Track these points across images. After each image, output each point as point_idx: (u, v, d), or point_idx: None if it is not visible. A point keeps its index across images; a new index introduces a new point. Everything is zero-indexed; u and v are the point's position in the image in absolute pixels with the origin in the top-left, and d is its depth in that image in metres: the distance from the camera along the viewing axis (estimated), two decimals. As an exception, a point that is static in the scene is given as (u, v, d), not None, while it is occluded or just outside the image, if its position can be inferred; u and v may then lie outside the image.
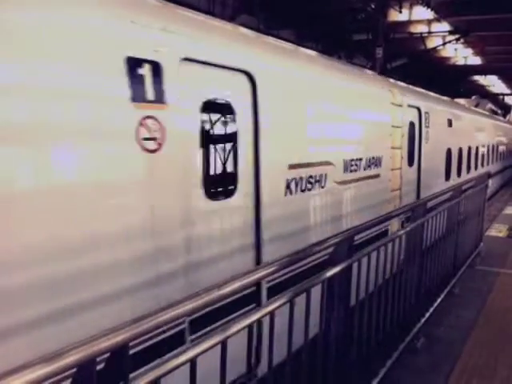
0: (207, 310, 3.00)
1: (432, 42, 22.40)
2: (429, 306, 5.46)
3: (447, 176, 10.81)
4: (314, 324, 3.05)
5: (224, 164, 3.93)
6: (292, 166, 4.79)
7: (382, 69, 17.74)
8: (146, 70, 3.15)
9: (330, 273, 3.16)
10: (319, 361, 3.18)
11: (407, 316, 4.74)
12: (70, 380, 1.66)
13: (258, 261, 4.27)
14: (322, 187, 5.34)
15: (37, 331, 2.55)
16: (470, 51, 25.89)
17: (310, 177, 5.10)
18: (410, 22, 20.26)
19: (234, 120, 4.01)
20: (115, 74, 2.99)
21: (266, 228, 4.32)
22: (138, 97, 3.08)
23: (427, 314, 5.32)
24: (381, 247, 4.02)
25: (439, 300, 5.79)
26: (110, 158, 2.97)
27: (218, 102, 3.86)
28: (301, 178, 4.93)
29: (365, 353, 3.81)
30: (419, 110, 8.60)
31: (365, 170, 6.45)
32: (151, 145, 3.18)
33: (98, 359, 1.62)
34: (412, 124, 8.29)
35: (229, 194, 4.00)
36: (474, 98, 24.02)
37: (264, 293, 4.26)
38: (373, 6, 17.90)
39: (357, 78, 7.04)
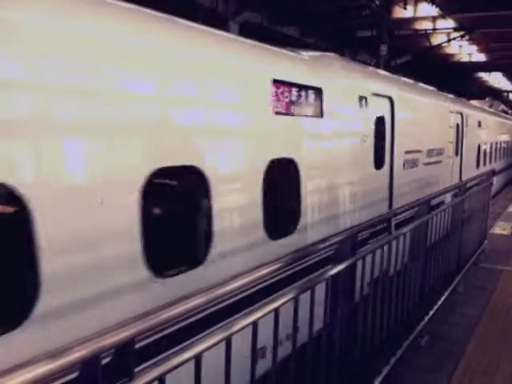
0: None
1: (437, 39, 22.31)
2: (433, 304, 5.46)
3: (477, 164, 14.30)
4: (318, 321, 3.05)
5: (382, 149, 7.09)
6: (405, 152, 7.96)
7: (386, 66, 17.69)
8: (364, 101, 6.44)
9: (334, 270, 3.16)
10: (323, 358, 3.18)
11: (411, 314, 4.74)
12: (75, 376, 1.66)
13: (391, 206, 7.35)
14: (417, 166, 8.62)
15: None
16: (474, 48, 25.78)
17: (412, 159, 8.33)
18: (414, 19, 20.17)
19: (383, 123, 7.14)
20: (356, 103, 6.35)
21: (395, 187, 7.44)
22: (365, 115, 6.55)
23: (431, 312, 5.31)
24: (385, 245, 4.01)
25: (443, 298, 5.78)
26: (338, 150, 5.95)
27: (380, 114, 6.99)
28: (408, 160, 8.10)
29: (368, 350, 3.81)
30: (462, 114, 11.95)
31: (436, 156, 9.76)
32: (364, 138, 6.51)
33: (103, 355, 1.63)
34: (457, 125, 11.60)
35: (382, 166, 7.10)
36: (487, 99, 24.99)
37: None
38: (377, 3, 17.83)
39: (435, 95, 10.65)
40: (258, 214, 4.47)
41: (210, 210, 3.92)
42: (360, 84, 6.61)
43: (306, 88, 5.29)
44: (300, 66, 5.59)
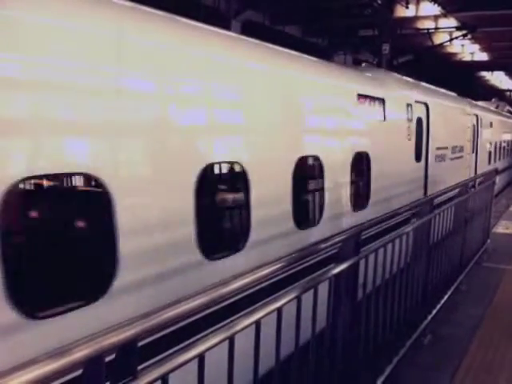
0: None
1: (439, 38, 22.26)
2: (436, 303, 5.45)
3: (489, 161, 16.28)
4: (321, 320, 3.05)
5: (420, 145, 8.71)
6: (436, 148, 9.75)
7: (388, 65, 17.66)
8: (410, 107, 8.15)
9: (337, 269, 3.16)
10: (326, 357, 3.17)
11: (414, 313, 4.73)
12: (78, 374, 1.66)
13: (425, 192, 8.94)
14: (444, 160, 10.41)
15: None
16: (476, 47, 25.73)
17: (441, 154, 10.13)
18: (416, 18, 20.14)
19: (421, 124, 8.83)
20: (405, 109, 8.15)
21: (428, 177, 9.13)
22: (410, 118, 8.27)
23: (434, 311, 5.30)
24: (388, 244, 4.00)
25: (446, 297, 5.77)
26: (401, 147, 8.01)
27: (419, 117, 8.68)
28: (438, 155, 9.88)
29: (371, 349, 3.80)
30: (477, 116, 13.91)
31: (458, 152, 11.67)
32: (409, 137, 8.16)
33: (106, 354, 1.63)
34: (474, 126, 13.49)
35: (420, 159, 8.80)
36: (493, 100, 25.87)
37: None
38: (379, 2, 17.80)
39: (457, 100, 12.65)
40: (347, 193, 6.39)
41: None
42: (407, 94, 8.58)
43: (375, 99, 7.19)
44: (369, 82, 7.57)
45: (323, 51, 20.69)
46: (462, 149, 12.04)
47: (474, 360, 4.75)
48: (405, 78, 9.41)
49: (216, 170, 4.28)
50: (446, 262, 5.74)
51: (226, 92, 4.42)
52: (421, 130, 8.86)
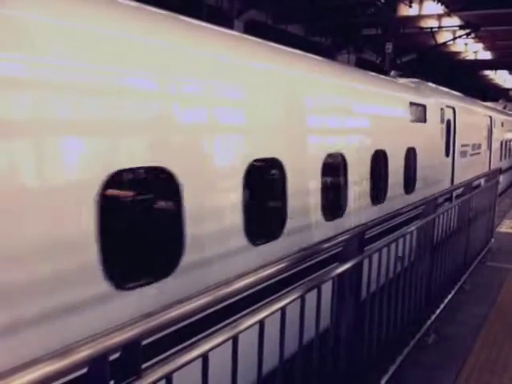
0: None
1: (442, 37, 22.21)
2: (439, 303, 5.43)
3: (501, 158, 18.02)
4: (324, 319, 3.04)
5: (449, 143, 10.27)
6: (461, 146, 11.31)
7: (391, 64, 17.62)
8: (442, 111, 9.85)
9: (340, 269, 3.15)
10: (330, 357, 3.17)
11: (418, 312, 4.72)
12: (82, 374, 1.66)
13: (452, 181, 10.60)
14: (466, 156, 12.09)
15: None
16: (480, 46, 25.66)
17: (464, 151, 11.77)
18: (420, 17, 20.10)
19: (449, 125, 10.35)
20: (438, 112, 9.96)
21: (455, 169, 10.79)
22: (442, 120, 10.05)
23: (438, 311, 5.29)
24: (392, 243, 3.99)
25: (450, 296, 5.76)
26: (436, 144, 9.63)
27: (448, 119, 10.13)
28: (462, 151, 11.48)
29: (375, 349, 3.79)
30: (491, 117, 15.69)
31: (476, 149, 13.40)
32: (441, 136, 9.90)
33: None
34: (488, 126, 15.21)
35: (448, 155, 10.38)
36: (500, 101, 27.26)
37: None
38: (382, 1, 17.77)
39: (476, 103, 14.66)
40: (402, 179, 8.12)
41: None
42: (440, 100, 10.29)
43: (419, 105, 8.97)
44: (414, 91, 9.40)
45: (326, 50, 20.65)
46: (479, 146, 13.93)
47: (478, 359, 4.74)
48: (436, 86, 11.07)
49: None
50: (449, 261, 5.73)
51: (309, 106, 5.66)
52: (449, 130, 10.64)
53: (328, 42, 22.06)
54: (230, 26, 15.96)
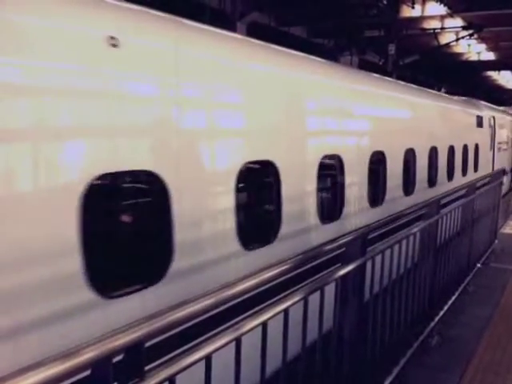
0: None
1: (445, 38, 22.19)
2: (443, 304, 5.42)
3: None
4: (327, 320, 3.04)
5: (492, 140, 14.57)
6: (498, 143, 15.39)
7: (394, 65, 17.62)
8: (489, 119, 14.28)
9: (343, 271, 3.15)
10: (333, 358, 3.17)
11: (421, 314, 4.71)
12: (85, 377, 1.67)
13: (492, 168, 14.19)
14: (500, 150, 15.91)
15: None
16: (483, 47, 25.62)
17: (499, 147, 15.66)
18: (422, 18, 20.08)
19: (492, 129, 14.57)
20: (488, 120, 14.21)
21: (495, 158, 15.01)
22: (489, 125, 14.40)
23: (441, 312, 5.28)
24: (395, 245, 3.99)
25: (453, 298, 5.74)
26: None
27: (491, 124, 14.44)
28: (498, 147, 15.38)
29: (378, 351, 3.79)
30: (511, 121, 19.13)
31: (505, 145, 17.07)
32: (489, 136, 14.53)
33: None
34: (510, 128, 18.42)
35: (491, 149, 14.61)
36: None
37: None
38: (385, 2, 17.77)
39: (504, 111, 18.25)
40: (468, 166, 11.99)
41: None
42: (488, 112, 14.46)
43: (479, 116, 13.23)
44: (476, 107, 13.55)
45: (329, 52, 20.65)
46: (507, 143, 17.65)
47: (481, 361, 4.73)
48: (484, 102, 15.32)
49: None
50: (453, 262, 5.72)
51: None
52: (492, 132, 14.63)
53: (330, 43, 22.05)
54: (233, 29, 15.99)
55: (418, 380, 4.41)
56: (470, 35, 20.68)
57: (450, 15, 19.35)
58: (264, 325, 2.37)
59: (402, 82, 9.46)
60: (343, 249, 3.27)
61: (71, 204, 2.91)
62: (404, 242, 4.17)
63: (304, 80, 5.55)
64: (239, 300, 2.39)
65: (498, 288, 6.80)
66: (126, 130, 3.34)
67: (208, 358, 2.00)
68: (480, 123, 13.10)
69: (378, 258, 3.67)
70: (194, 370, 1.95)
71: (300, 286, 2.91)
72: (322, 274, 3.40)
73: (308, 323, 2.80)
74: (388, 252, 3.85)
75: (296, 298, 2.62)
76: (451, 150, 10.41)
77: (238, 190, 4.25)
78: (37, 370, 1.42)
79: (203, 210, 3.94)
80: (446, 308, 5.43)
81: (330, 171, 5.96)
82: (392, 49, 17.79)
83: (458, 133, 11.31)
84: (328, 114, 5.95)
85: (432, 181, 9.24)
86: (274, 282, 2.60)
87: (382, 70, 16.13)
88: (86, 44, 3.09)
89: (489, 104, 16.00)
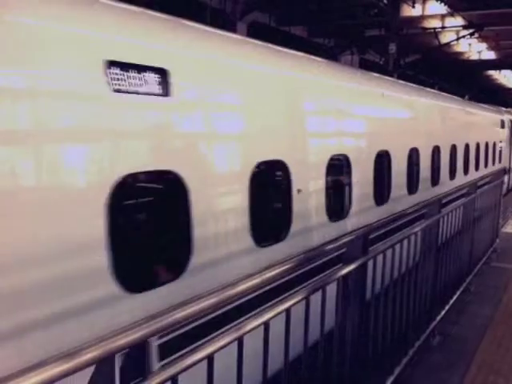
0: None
1: (445, 37, 22.17)
2: (444, 304, 5.42)
3: None
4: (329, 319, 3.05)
5: (509, 139, 18.93)
6: None
7: (395, 65, 17.61)
8: (509, 122, 18.69)
9: (345, 270, 3.15)
10: (335, 358, 3.17)
11: (423, 313, 4.71)
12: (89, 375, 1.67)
13: (510, 162, 18.98)
14: None
15: None
16: (484, 46, 25.60)
17: None
18: (423, 17, 20.08)
19: (509, 128, 18.96)
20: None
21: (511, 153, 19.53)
22: (509, 127, 18.81)
23: (443, 312, 5.28)
24: (396, 245, 3.99)
25: (455, 297, 5.74)
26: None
27: (510, 125, 18.97)
28: None
29: (380, 350, 3.79)
30: None
31: None
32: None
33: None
34: None
35: (510, 146, 19.09)
36: None
37: None
38: (385, 1, 17.77)
39: None
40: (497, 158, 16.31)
41: None
42: (508, 116, 18.15)
43: (502, 120, 17.13)
44: (499, 112, 17.51)
45: (329, 52, 20.64)
46: None
47: (483, 360, 4.72)
48: (506, 108, 18.98)
49: None
50: (454, 262, 5.72)
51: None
52: (510, 132, 18.28)
53: (331, 43, 22.04)
54: (233, 29, 15.99)
55: (419, 379, 4.41)
56: (471, 34, 20.66)
57: (451, 14, 19.34)
58: (266, 324, 2.37)
59: (458, 98, 13.91)
60: (344, 249, 3.27)
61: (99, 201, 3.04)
62: (405, 242, 4.17)
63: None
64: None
65: (500, 287, 6.79)
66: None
67: (210, 358, 2.01)
68: (503, 125, 17.31)
69: (380, 258, 3.68)
70: (199, 370, 1.95)
71: (301, 286, 2.92)
72: (323, 274, 3.40)
73: (310, 323, 2.80)
74: (389, 251, 3.85)
75: (298, 298, 2.63)
76: (487, 144, 14.69)
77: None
78: (43, 369, 1.42)
79: (219, 209, 4.16)
80: (447, 307, 5.43)
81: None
82: (393, 48, 17.76)
83: (491, 132, 15.77)
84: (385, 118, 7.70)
85: (484, 163, 14.26)
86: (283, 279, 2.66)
87: (383, 70, 16.11)
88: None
89: (507, 109, 20.60)
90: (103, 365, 1.59)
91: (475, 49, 26.43)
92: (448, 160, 10.50)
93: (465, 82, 34.73)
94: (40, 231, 2.75)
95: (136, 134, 3.37)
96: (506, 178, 14.49)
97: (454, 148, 10.80)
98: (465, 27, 20.13)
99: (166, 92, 3.50)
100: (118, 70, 3.16)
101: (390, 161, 7.29)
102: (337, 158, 5.94)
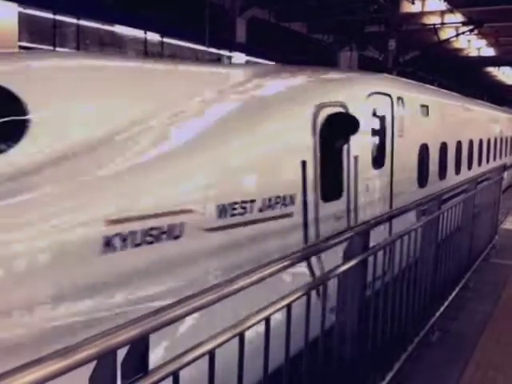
0: None
1: (445, 34, 22.16)
2: (444, 300, 5.43)
3: None
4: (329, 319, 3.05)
5: None
6: None
7: (394, 61, 17.59)
8: None
9: (345, 266, 3.16)
10: (334, 354, 3.18)
11: (422, 310, 4.72)
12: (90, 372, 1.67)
13: None
14: None
15: None
16: (483, 42, 25.61)
17: None
18: (422, 14, 20.08)
19: None
20: None
21: None
22: None
23: (442, 308, 5.29)
24: (396, 241, 3.99)
25: (454, 293, 5.75)
26: None
27: None
28: None
29: (379, 346, 3.80)
30: None
31: None
32: None
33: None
34: None
35: None
36: None
37: None
38: (385, -2, 17.73)
39: None
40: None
41: None
42: None
43: None
44: None
45: (328, 48, 20.63)
46: None
47: (482, 357, 4.74)
48: None
49: None
50: (454, 258, 5.73)
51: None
52: None
53: (330, 39, 22.01)
54: (233, 25, 15.96)
55: (418, 375, 4.41)
56: (470, 31, 20.66)
57: (450, 10, 19.34)
58: (267, 320, 2.38)
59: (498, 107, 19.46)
60: (345, 244, 3.28)
61: None
62: (406, 238, 4.18)
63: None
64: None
65: (499, 283, 6.81)
66: None
67: (211, 354, 2.01)
68: None
69: (380, 254, 3.68)
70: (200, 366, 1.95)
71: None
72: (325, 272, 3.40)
73: (310, 320, 2.80)
74: (390, 247, 3.86)
75: (298, 294, 2.63)
76: (507, 139, 18.36)
77: None
78: (40, 366, 1.41)
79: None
80: (446, 303, 5.44)
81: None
82: (392, 44, 17.75)
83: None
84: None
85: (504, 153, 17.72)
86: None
87: (382, 67, 16.10)
88: None
89: None
90: (104, 360, 1.58)
91: (474, 45, 26.43)
92: (477, 150, 13.95)
93: (464, 78, 34.74)
94: None
95: None
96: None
97: (480, 141, 14.17)
98: (464, 24, 20.14)
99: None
100: None
101: (447, 149, 10.23)
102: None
